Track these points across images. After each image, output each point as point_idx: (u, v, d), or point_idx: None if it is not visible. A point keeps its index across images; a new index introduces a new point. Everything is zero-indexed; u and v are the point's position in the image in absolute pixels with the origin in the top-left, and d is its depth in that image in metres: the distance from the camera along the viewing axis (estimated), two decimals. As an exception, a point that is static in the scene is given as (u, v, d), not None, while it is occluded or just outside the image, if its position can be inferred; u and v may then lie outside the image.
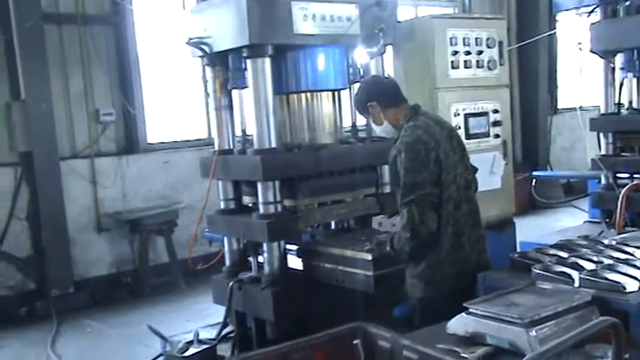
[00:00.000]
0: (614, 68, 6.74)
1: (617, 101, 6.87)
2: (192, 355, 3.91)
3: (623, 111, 6.81)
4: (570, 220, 8.29)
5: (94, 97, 7.24)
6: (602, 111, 6.82)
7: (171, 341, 4.13)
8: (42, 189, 6.82)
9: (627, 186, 5.49)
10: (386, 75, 4.24)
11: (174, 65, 7.95)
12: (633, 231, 4.30)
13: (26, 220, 6.93)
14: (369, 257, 3.52)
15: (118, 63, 7.44)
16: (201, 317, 6.27)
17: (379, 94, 3.37)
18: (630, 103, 6.74)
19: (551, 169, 11.86)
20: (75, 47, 7.12)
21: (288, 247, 4.06)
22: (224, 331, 4.31)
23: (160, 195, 7.64)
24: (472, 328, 2.51)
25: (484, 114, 4.90)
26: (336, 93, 4.31)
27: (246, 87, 4.06)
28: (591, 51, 6.84)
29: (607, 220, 6.44)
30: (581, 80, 12.13)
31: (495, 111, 4.98)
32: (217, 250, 5.14)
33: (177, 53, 7.79)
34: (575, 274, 2.73)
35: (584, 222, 8.25)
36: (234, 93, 4.24)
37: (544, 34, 10.32)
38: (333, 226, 4.55)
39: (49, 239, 6.89)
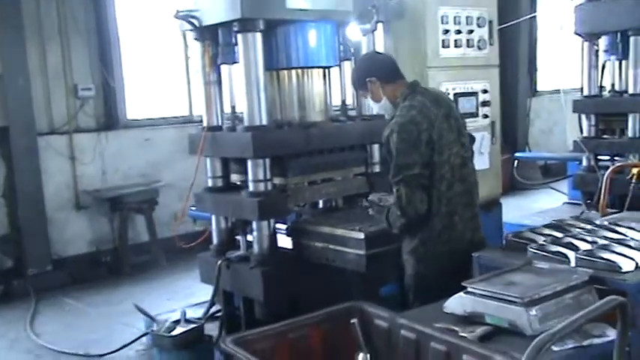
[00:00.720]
0: (597, 51, 6.79)
1: (599, 84, 6.94)
2: (180, 334, 3.87)
3: (605, 94, 6.89)
4: (549, 202, 8.39)
5: (73, 71, 7.06)
6: (585, 93, 6.88)
7: (158, 320, 4.07)
8: (19, 165, 6.67)
9: (610, 168, 5.54)
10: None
11: (156, 40, 7.80)
12: (614, 213, 4.37)
13: (2, 198, 6.78)
14: (362, 236, 3.50)
15: (97, 36, 7.25)
16: (183, 296, 6.23)
17: (379, 70, 3.33)
18: (612, 85, 6.80)
19: (529, 151, 11.97)
20: (53, 19, 6.92)
21: (278, 225, 4.02)
22: (210, 311, 4.27)
23: (140, 173, 7.52)
24: (470, 307, 2.50)
25: (473, 94, 4.88)
26: (326, 70, 4.25)
27: (236, 62, 3.98)
28: (575, 33, 6.87)
29: (588, 201, 6.52)
30: (560, 63, 12.27)
31: (484, 91, 4.97)
32: (202, 228, 5.10)
33: (159, 27, 7.68)
34: (571, 253, 2.73)
35: (563, 203, 8.35)
36: (224, 68, 4.14)
37: (526, 17, 10.33)
38: (320, 205, 4.53)
39: (26, 217, 6.76)
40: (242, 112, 4.12)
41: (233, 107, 4.12)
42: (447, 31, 4.67)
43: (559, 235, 3.03)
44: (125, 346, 4.88)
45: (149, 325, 4.82)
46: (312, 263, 3.86)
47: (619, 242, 2.81)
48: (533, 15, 11.04)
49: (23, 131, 6.65)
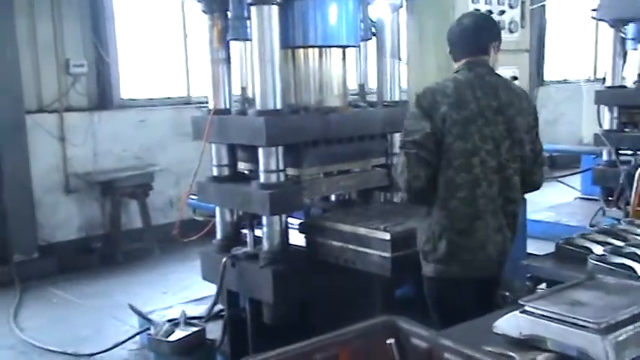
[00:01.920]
0: (623, 38, 6.43)
1: (622, 74, 6.59)
2: (180, 339, 3.50)
3: (630, 85, 6.54)
4: (558, 196, 8.05)
5: (64, 45, 6.60)
6: (608, 83, 6.54)
7: (155, 323, 3.70)
8: (5, 145, 6.24)
9: (644, 164, 5.22)
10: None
11: (153, 15, 7.35)
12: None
13: (-13, 179, 6.36)
14: (387, 236, 3.14)
15: (91, 9, 6.78)
16: (180, 289, 5.86)
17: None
18: (639, 76, 6.45)
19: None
20: (44, -12, 6.47)
21: (289, 220, 3.64)
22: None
23: (134, 156, 7.11)
24: (529, 329, 2.14)
25: (502, 81, 4.49)
26: (345, 50, 3.85)
27: (247, 39, 3.59)
28: (600, 19, 6.51)
29: (609, 198, 6.20)
30: (569, 53, 11.92)
31: (514, 78, 4.58)
32: (202, 219, 4.72)
33: (156, 1, 7.24)
34: (638, 267, 2.38)
35: (576, 198, 8.05)
36: (233, 45, 3.74)
37: (538, 4, 9.95)
38: (332, 198, 4.16)
39: (12, 200, 6.33)
40: (253, 95, 3.74)
41: (243, 88, 3.73)
42: (477, 11, 4.26)
43: (618, 243, 2.67)
44: (117, 345, 4.50)
45: (143, 322, 4.46)
46: (326, 263, 3.49)
47: (691, 255, 2.46)
48: (543, 2, 10.67)
49: (10, 108, 6.21)
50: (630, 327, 2.02)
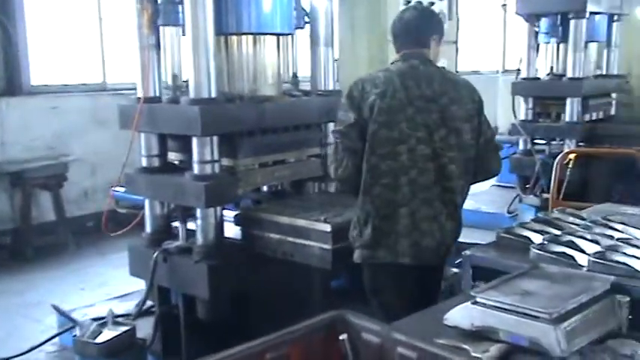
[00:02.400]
0: (537, 33, 6.67)
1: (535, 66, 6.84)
2: (108, 340, 3.31)
3: (544, 77, 6.80)
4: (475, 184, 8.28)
5: (-33, 27, 6.15)
6: (524, 75, 6.77)
7: (81, 323, 3.49)
8: None
9: (562, 153, 5.43)
10: None
11: (65, -4, 6.96)
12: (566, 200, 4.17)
13: None
14: (328, 228, 3.09)
15: (-4, -12, 6.35)
16: (98, 285, 5.61)
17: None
18: (551, 68, 6.72)
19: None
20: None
21: (224, 213, 3.54)
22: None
23: (46, 145, 6.70)
24: (480, 321, 2.15)
25: (431, 71, 4.53)
26: (279, 39, 3.77)
27: (179, 24, 3.43)
28: (517, 13, 6.72)
29: (526, 186, 6.44)
30: (481, 44, 12.28)
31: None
32: (125, 211, 4.51)
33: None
34: (580, 256, 2.45)
35: (492, 186, 8.32)
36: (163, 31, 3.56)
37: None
38: (265, 188, 4.07)
39: None
40: (184, 82, 3.59)
41: (175, 76, 3.56)
42: (408, 2, 4.29)
43: (555, 232, 2.74)
44: (34, 347, 4.20)
45: (63, 320, 4.21)
46: (262, 256, 3.41)
47: (626, 242, 2.55)
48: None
49: None
50: (579, 316, 2.07)
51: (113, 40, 7.26)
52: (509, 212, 6.85)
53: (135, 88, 6.86)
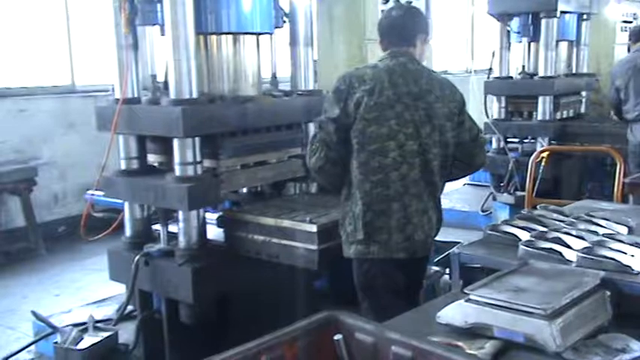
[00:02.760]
0: (509, 32, 6.76)
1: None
2: (90, 346, 3.24)
3: (515, 76, 6.89)
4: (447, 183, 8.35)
5: None
6: (496, 74, 6.85)
7: (61, 330, 3.40)
8: None
9: (537, 151, 5.50)
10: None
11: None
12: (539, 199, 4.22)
13: None
14: (314, 229, 3.07)
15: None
16: (74, 290, 5.49)
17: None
18: (523, 67, 6.81)
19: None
20: None
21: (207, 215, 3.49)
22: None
23: (14, 149, 6.54)
24: (474, 318, 2.16)
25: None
26: (259, 38, 3.73)
27: (157, 24, 3.38)
28: (488, 13, 6.80)
29: (500, 184, 6.50)
30: (449, 43, 12.39)
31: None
32: (101, 215, 4.42)
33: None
34: (568, 252, 2.48)
35: (464, 184, 8.40)
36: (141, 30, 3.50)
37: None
38: (244, 190, 4.03)
39: None
40: (161, 83, 3.54)
41: (153, 76, 3.50)
42: (386, 1, 4.29)
43: (540, 228, 2.77)
44: (10, 355, 4.08)
45: (40, 328, 4.11)
46: (245, 258, 3.38)
47: (611, 238, 2.59)
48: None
49: None
50: (572, 311, 2.09)
51: (82, 41, 7.12)
52: (483, 210, 6.91)
53: (106, 90, 6.83)
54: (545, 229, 2.73)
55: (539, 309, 2.02)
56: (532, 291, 2.18)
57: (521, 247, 2.55)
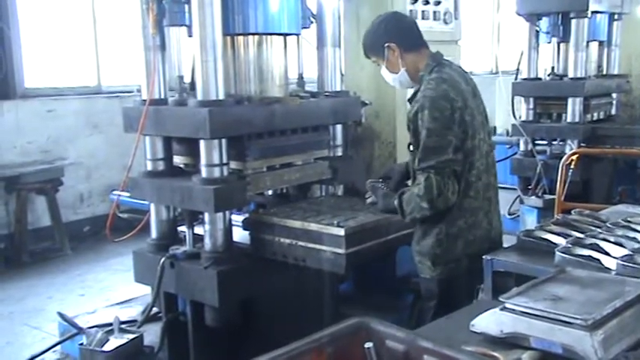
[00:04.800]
0: (537, 32, 6.64)
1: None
2: (116, 349, 3.22)
3: (544, 77, 6.76)
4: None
5: (-40, 29, 6.03)
6: (525, 76, 6.73)
7: (87, 331, 3.39)
8: None
9: (567, 154, 5.38)
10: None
11: (59, -3, 6.86)
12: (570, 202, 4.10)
13: None
14: (342, 232, 3.01)
15: (-11, -10, 6.24)
16: (98, 291, 5.51)
17: (401, 34, 2.86)
18: (552, 68, 6.67)
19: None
20: None
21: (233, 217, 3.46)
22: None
23: (41, 149, 6.61)
24: (510, 327, 2.08)
25: (437, 73, 4.46)
26: (286, 39, 3.69)
27: (185, 25, 3.35)
28: (517, 13, 6.68)
29: (528, 187, 6.39)
30: (475, 45, 12.26)
31: (449, 69, 4.57)
32: (126, 216, 4.42)
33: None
34: (607, 259, 2.40)
35: (491, 187, 8.28)
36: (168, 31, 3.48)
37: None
38: (270, 192, 3.99)
39: None
40: (187, 84, 3.52)
41: (180, 77, 3.48)
42: (415, 1, 4.22)
43: (577, 234, 2.68)
44: (36, 356, 4.08)
45: (65, 328, 4.11)
46: (270, 261, 3.34)
47: (651, 245, 2.50)
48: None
49: None
50: (614, 322, 2.01)
51: (108, 42, 7.15)
52: (510, 214, 6.80)
53: (130, 91, 6.86)
54: (581, 236, 2.65)
55: (579, 319, 1.95)
56: (571, 300, 2.10)
57: (558, 253, 2.47)
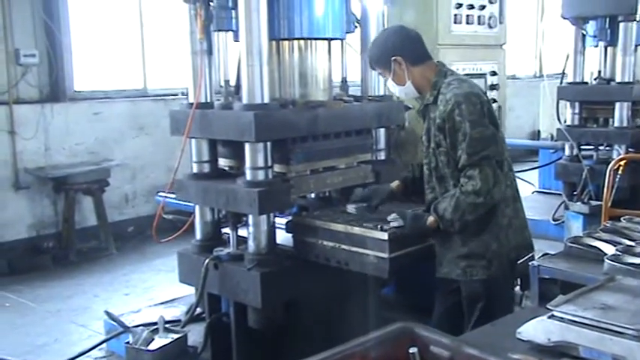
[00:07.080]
0: (584, 35, 6.52)
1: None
2: (161, 348, 3.28)
3: (591, 81, 6.64)
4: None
5: (14, 34, 6.19)
6: (570, 80, 6.61)
7: (133, 331, 3.46)
8: (-52, 138, 5.83)
9: (615, 159, 5.28)
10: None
11: (108, 3, 7.00)
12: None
13: None
14: (385, 236, 3.01)
15: (42, -4, 6.40)
16: (143, 290, 5.61)
17: (407, 48, 2.92)
18: (599, 73, 6.55)
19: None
20: (-10, -27, 6.06)
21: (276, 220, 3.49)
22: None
23: (89, 150, 6.77)
24: (558, 336, 2.06)
25: (482, 76, 4.45)
26: (330, 44, 3.71)
27: (231, 30, 3.40)
28: (562, 17, 6.57)
29: (574, 192, 6.28)
30: (516, 48, 12.11)
31: (493, 73, 4.55)
32: (171, 217, 4.50)
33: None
34: (657, 268, 2.34)
35: (533, 192, 8.15)
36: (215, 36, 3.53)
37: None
38: (312, 195, 4.01)
39: (-43, 197, 5.93)
40: (232, 87, 3.56)
41: (227, 81, 3.53)
42: (459, 5, 4.21)
43: (627, 242, 2.63)
44: (82, 353, 4.17)
45: (111, 326, 4.20)
46: (313, 263, 3.35)
47: None
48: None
49: (-45, 99, 5.81)
50: (666, 332, 1.96)
51: (154, 46, 7.29)
52: (554, 219, 6.69)
53: (175, 94, 6.97)
54: (632, 243, 2.59)
55: (631, 329, 1.91)
56: (621, 309, 2.06)
57: (607, 261, 2.42)
